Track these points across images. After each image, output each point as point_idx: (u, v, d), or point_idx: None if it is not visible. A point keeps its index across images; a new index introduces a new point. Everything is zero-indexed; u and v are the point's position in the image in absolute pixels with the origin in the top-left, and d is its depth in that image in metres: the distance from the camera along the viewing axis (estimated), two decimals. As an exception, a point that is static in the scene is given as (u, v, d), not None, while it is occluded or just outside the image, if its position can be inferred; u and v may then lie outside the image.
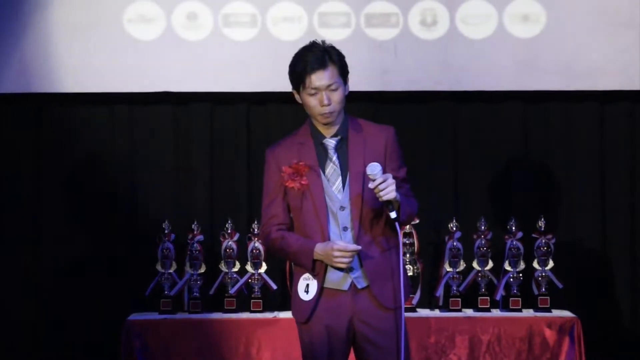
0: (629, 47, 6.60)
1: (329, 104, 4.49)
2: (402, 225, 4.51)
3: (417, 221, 5.87)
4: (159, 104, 6.76)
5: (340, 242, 4.38)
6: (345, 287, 4.37)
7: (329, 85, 4.47)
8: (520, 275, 6.08)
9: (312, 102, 4.48)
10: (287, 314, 5.95)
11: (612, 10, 6.58)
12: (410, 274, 5.96)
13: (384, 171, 4.39)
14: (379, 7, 6.59)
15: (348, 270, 4.37)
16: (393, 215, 4.32)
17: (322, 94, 4.47)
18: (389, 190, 4.32)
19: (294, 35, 6.48)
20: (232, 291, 6.09)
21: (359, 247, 4.39)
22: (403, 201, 4.44)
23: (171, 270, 6.11)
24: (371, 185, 4.38)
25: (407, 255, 6.05)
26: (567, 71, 6.59)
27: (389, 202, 4.35)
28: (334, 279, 4.49)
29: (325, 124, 4.52)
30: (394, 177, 4.40)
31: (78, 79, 6.61)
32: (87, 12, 6.57)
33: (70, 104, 6.85)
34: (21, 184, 6.96)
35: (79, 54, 6.57)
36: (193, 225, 6.16)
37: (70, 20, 6.61)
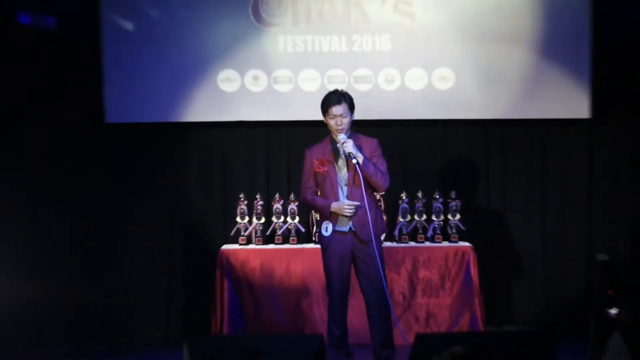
0: (504, 95, 7.85)
1: (340, 125, 5.81)
2: (369, 177, 5.85)
3: (383, 193, 6.84)
4: (238, 127, 8.00)
5: (347, 202, 5.86)
6: (346, 229, 5.90)
7: (341, 114, 5.83)
8: (441, 222, 7.46)
9: (332, 123, 5.85)
10: (310, 246, 7.40)
11: (496, 69, 7.82)
12: (380, 223, 6.38)
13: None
14: (361, 72, 7.82)
15: (349, 218, 5.87)
16: (354, 161, 5.72)
17: (337, 119, 5.82)
18: (347, 146, 5.74)
19: (313, 88, 7.78)
20: (279, 232, 7.41)
21: (358, 203, 5.79)
22: (369, 164, 5.79)
23: (245, 221, 7.43)
24: (339, 145, 5.80)
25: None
26: (467, 107, 7.85)
27: (349, 153, 5.73)
28: (340, 224, 5.91)
29: (339, 138, 5.81)
30: (373, 167, 5.81)
31: (184, 114, 7.86)
32: (191, 71, 7.86)
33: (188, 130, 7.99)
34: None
35: (188, 100, 7.85)
36: (257, 195, 7.52)
37: (181, 77, 7.83)
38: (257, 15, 7.81)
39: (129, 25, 7.76)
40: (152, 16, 7.80)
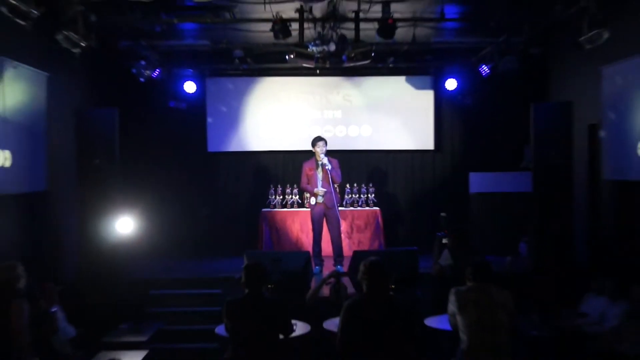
0: (395, 137, 7.39)
1: (322, 151, 5.80)
2: (333, 177, 5.76)
3: (339, 183, 6.24)
4: (271, 153, 7.54)
5: (321, 188, 5.87)
6: (321, 202, 5.91)
7: (323, 145, 5.84)
8: (365, 198, 7.13)
9: (318, 150, 5.84)
10: (304, 209, 6.95)
11: (391, 125, 7.47)
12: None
13: (334, 171, 5.83)
14: (327, 127, 7.50)
15: (323, 196, 5.89)
16: (327, 167, 5.69)
17: (320, 147, 5.80)
18: (324, 160, 5.76)
19: (304, 136, 7.27)
20: (289, 203, 7.14)
21: (325, 189, 5.81)
22: (332, 170, 5.75)
23: (272, 197, 7.12)
24: (320, 160, 5.71)
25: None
26: (378, 144, 7.50)
27: (325, 164, 5.73)
28: (318, 200, 5.95)
29: (320, 157, 5.83)
30: (335, 172, 5.73)
31: (244, 147, 7.44)
32: (246, 128, 7.36)
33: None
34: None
35: (246, 140, 7.42)
36: (278, 185, 7.17)
37: (241, 129, 7.31)
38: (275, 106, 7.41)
39: (218, 103, 7.37)
40: (227, 100, 7.43)
